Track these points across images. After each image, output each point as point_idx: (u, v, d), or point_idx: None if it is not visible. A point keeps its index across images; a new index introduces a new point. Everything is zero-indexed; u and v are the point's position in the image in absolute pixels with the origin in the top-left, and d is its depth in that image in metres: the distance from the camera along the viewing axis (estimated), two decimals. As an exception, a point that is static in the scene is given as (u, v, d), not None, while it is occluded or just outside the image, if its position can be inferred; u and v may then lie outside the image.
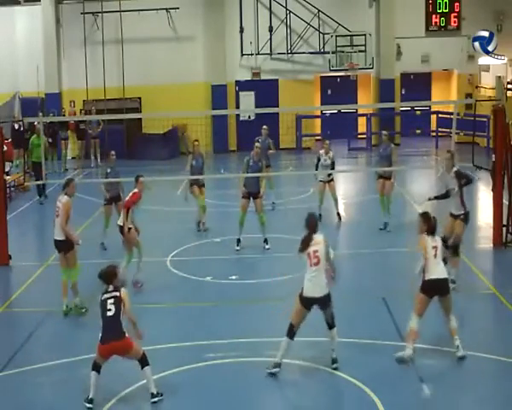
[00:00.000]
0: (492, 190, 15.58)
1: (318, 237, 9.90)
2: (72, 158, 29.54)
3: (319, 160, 18.10)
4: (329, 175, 18.09)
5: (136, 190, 13.67)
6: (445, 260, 10.87)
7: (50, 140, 26.72)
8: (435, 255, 10.32)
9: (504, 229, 15.40)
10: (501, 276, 14.02)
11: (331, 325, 9.95)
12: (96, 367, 9.13)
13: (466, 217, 13.14)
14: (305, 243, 9.85)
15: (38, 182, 20.11)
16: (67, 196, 12.42)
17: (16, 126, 26.45)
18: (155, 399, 9.18)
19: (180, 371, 9.97)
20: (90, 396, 9.06)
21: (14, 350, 10.87)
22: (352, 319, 11.74)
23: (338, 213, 18.17)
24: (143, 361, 9.22)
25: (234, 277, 14.02)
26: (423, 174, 24.71)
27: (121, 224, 13.55)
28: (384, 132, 18.29)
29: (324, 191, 18.11)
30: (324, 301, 9.80)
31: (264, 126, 20.14)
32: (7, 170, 20.06)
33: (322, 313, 9.89)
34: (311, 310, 9.83)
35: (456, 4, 30.65)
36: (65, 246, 12.25)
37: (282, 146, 30.73)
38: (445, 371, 9.90)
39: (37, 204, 21.12)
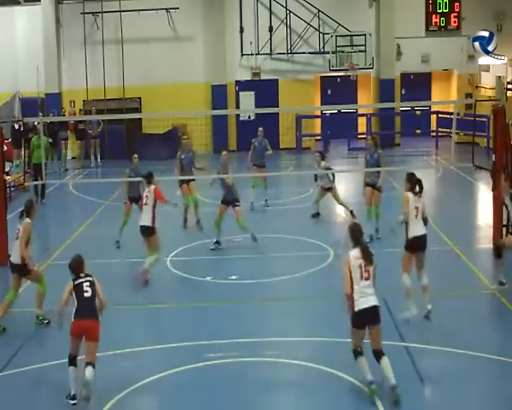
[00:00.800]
0: (492, 190, 15.57)
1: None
2: (73, 158, 29.54)
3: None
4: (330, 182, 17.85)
5: (153, 187, 13.86)
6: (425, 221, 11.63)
7: (50, 140, 26.73)
8: (416, 215, 11.28)
9: (504, 229, 15.38)
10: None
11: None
12: (72, 361, 9.24)
13: None
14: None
15: (37, 182, 20.09)
16: (29, 218, 11.92)
17: (16, 126, 26.48)
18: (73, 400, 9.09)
19: (180, 371, 9.97)
20: (73, 392, 9.13)
21: (14, 350, 10.87)
22: (352, 319, 11.73)
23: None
24: (93, 366, 9.18)
25: (234, 277, 14.02)
26: (423, 174, 24.68)
27: (146, 224, 13.72)
28: (369, 137, 17.37)
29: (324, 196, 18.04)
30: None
31: (260, 128, 20.22)
32: (7, 170, 20.06)
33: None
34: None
35: (456, 4, 30.67)
36: (24, 269, 11.78)
37: (282, 146, 30.75)
38: (445, 371, 9.90)
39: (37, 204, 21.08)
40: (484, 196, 19.89)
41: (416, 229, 11.29)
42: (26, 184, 22.47)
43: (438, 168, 24.67)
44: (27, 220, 11.87)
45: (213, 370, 10.02)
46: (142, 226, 13.84)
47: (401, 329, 11.19)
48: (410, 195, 11.40)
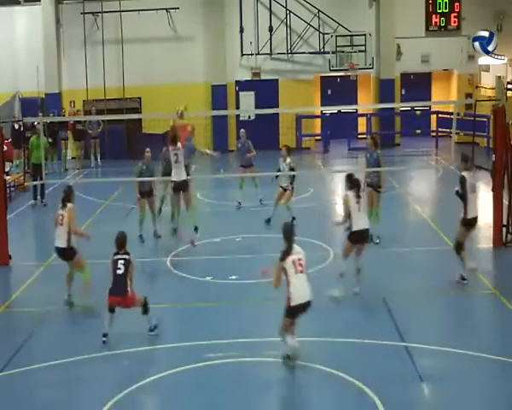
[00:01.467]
0: (492, 190, 15.58)
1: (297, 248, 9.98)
2: (72, 158, 29.53)
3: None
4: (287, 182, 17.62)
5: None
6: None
7: (50, 140, 26.73)
8: (359, 208, 12.27)
9: (504, 229, 15.40)
10: (501, 276, 14.01)
11: None
12: (111, 310, 10.90)
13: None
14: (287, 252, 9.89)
15: (36, 182, 20.09)
16: (70, 203, 12.51)
17: (16, 126, 26.48)
18: (153, 332, 11.07)
19: (180, 371, 9.97)
20: (105, 331, 10.81)
21: (14, 350, 10.87)
22: (353, 320, 11.75)
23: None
24: (145, 309, 11.03)
25: (234, 277, 14.02)
26: (423, 174, 24.72)
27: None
28: (369, 136, 17.19)
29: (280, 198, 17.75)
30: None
31: (242, 130, 20.65)
32: (7, 170, 20.06)
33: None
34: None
35: (456, 4, 30.65)
36: (68, 254, 12.39)
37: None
38: (445, 371, 9.90)
39: (37, 206, 21.05)
40: (484, 196, 19.89)
41: (360, 223, 12.27)
42: (26, 184, 22.48)
43: (438, 168, 24.67)
44: (70, 205, 12.44)
45: (213, 370, 10.02)
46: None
47: (401, 329, 11.19)
48: (350, 194, 12.34)
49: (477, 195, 13.25)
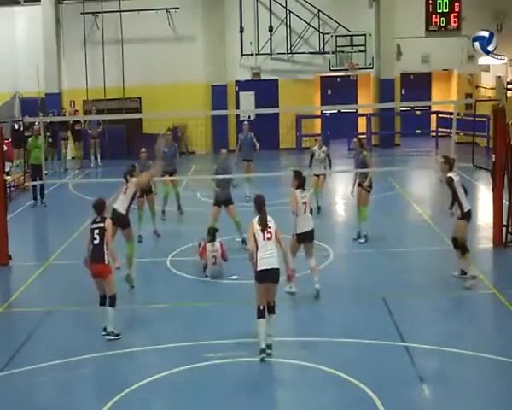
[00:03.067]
0: (492, 190, 15.58)
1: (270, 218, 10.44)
2: (72, 158, 29.53)
3: (313, 155, 18.61)
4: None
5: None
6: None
7: (50, 140, 26.73)
8: (305, 210, 12.36)
9: (504, 229, 15.40)
10: (501, 276, 14.01)
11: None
12: (101, 301, 11.14)
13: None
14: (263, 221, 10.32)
15: (36, 182, 20.08)
16: (134, 177, 13.37)
17: (16, 126, 26.48)
18: (109, 336, 10.97)
19: (180, 371, 9.97)
20: (109, 329, 11.02)
21: (14, 350, 10.86)
22: (352, 319, 11.76)
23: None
24: (113, 301, 11.00)
25: (234, 277, 14.01)
26: (423, 174, 24.71)
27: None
28: (355, 139, 17.32)
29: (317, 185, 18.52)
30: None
31: (245, 123, 21.26)
32: (7, 170, 20.06)
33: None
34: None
35: (456, 4, 30.65)
36: (125, 221, 13.15)
37: (282, 146, 30.76)
38: (445, 371, 9.90)
39: (37, 206, 21.04)
40: (484, 196, 19.89)
41: (305, 224, 12.40)
42: (26, 184, 22.46)
43: (438, 168, 24.64)
44: (134, 179, 13.33)
45: (213, 370, 10.02)
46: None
47: (401, 329, 11.19)
48: (297, 192, 12.42)
49: (465, 190, 13.30)
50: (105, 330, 11.08)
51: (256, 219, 10.34)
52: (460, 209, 13.10)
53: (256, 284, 10.20)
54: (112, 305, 11.03)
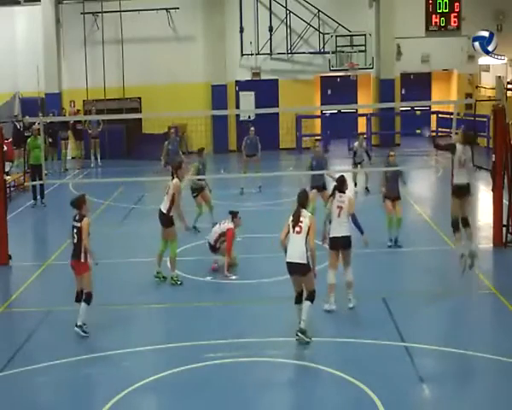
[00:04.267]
0: (492, 190, 15.58)
1: (306, 214, 10.75)
2: (72, 158, 29.54)
3: (355, 153, 21.02)
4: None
5: (231, 226, 14.35)
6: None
7: (50, 140, 26.74)
8: (339, 214, 11.94)
9: (504, 229, 15.40)
10: (501, 276, 14.02)
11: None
12: (76, 297, 11.42)
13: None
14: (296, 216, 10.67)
15: (36, 182, 20.09)
16: (178, 178, 13.70)
17: (17, 126, 26.47)
18: (78, 330, 11.16)
19: (180, 371, 9.97)
20: (79, 323, 11.17)
21: (14, 350, 10.86)
22: (352, 319, 11.75)
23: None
24: (87, 298, 11.22)
25: (234, 277, 14.01)
26: (423, 174, 24.71)
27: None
28: (316, 144, 18.78)
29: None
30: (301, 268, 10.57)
31: (252, 128, 22.21)
32: (7, 170, 20.05)
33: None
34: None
35: (456, 4, 30.65)
36: (166, 220, 13.60)
37: (282, 146, 30.76)
38: (445, 371, 9.90)
39: (37, 206, 21.03)
40: (484, 196, 19.88)
41: (338, 229, 12.00)
42: (26, 184, 22.47)
43: (438, 168, 24.67)
44: (176, 180, 13.66)
45: (213, 370, 10.02)
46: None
47: (401, 329, 11.19)
48: (335, 195, 12.15)
49: (467, 167, 12.85)
50: (77, 326, 11.29)
51: (292, 214, 10.73)
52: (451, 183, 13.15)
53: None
54: (86, 301, 11.24)
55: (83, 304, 11.23)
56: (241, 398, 9.29)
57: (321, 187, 17.25)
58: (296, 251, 10.51)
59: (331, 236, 12.07)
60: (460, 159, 12.83)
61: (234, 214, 14.48)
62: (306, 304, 10.57)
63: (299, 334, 10.54)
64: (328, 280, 11.97)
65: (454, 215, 12.92)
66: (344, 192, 12.14)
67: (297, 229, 10.54)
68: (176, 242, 13.82)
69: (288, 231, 10.61)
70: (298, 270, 10.54)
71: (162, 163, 20.51)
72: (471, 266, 12.82)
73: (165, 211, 13.66)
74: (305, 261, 10.48)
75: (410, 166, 25.61)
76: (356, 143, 21.87)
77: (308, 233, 10.52)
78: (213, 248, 14.38)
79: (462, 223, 12.87)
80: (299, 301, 10.72)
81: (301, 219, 10.59)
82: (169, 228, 13.71)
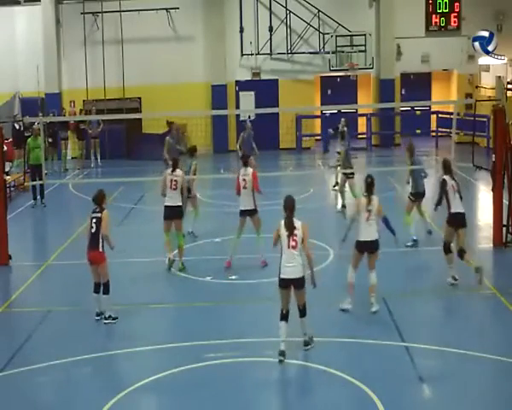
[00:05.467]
0: (492, 190, 15.58)
1: (298, 222, 10.23)
2: (72, 158, 29.55)
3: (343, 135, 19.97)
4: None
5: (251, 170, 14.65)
6: None
7: (50, 140, 26.74)
8: (367, 218, 11.60)
9: (504, 229, 15.40)
10: (501, 276, 14.02)
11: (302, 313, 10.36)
12: (95, 288, 11.75)
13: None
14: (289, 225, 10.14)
15: (36, 182, 20.09)
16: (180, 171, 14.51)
17: (17, 126, 26.47)
18: (107, 320, 11.64)
19: (180, 371, 9.97)
20: (107, 314, 11.68)
21: (14, 350, 10.86)
22: (352, 319, 11.75)
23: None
24: (106, 288, 11.68)
25: (234, 277, 14.02)
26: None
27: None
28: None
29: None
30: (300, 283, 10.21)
31: (249, 122, 22.45)
32: (7, 170, 20.05)
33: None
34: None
35: (456, 4, 30.66)
36: (181, 212, 14.42)
37: (282, 146, 30.76)
38: (445, 371, 9.90)
39: (36, 206, 21.03)
40: (484, 196, 19.88)
41: (365, 233, 11.69)
42: (26, 184, 22.47)
43: (438, 168, 24.64)
44: (180, 171, 14.41)
45: (213, 370, 10.02)
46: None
47: (401, 329, 11.19)
48: (362, 200, 11.78)
49: (459, 195, 13.20)
50: (98, 315, 11.76)
51: (283, 222, 10.18)
52: (448, 210, 13.12)
53: (278, 289, 10.28)
54: (106, 292, 11.69)
55: (104, 296, 11.69)
56: (241, 398, 9.29)
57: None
58: (294, 267, 10.08)
59: (359, 239, 11.73)
60: (456, 189, 13.18)
61: (246, 158, 14.89)
62: (303, 320, 10.34)
63: (307, 346, 10.41)
64: (348, 278, 11.91)
65: (447, 240, 13.24)
66: (373, 194, 11.79)
67: (292, 243, 10.05)
68: (182, 233, 14.68)
69: (279, 237, 10.15)
70: (295, 284, 10.15)
71: (167, 157, 19.83)
72: (480, 282, 12.74)
73: (180, 203, 14.36)
74: (302, 274, 10.18)
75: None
76: (340, 125, 20.85)
77: (302, 242, 10.12)
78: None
79: (458, 254, 13.08)
80: (286, 318, 10.22)
81: (295, 232, 10.05)
82: (181, 219, 14.50)
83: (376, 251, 11.83)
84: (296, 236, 10.08)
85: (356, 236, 11.83)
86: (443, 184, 13.24)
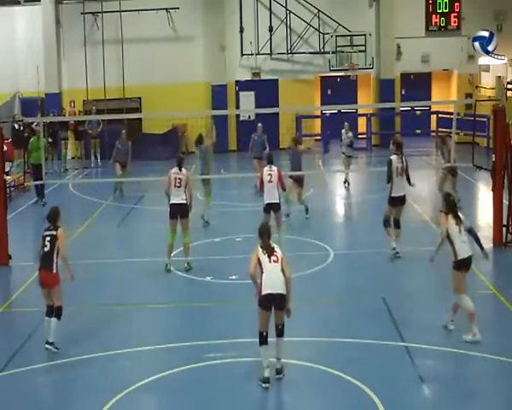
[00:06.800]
0: (492, 190, 15.58)
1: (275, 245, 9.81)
2: (72, 158, 29.55)
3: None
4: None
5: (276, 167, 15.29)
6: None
7: (50, 140, 26.73)
8: (460, 231, 10.75)
9: (504, 229, 15.40)
10: (501, 276, 14.02)
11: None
12: (47, 312, 10.79)
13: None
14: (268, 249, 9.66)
15: (37, 182, 20.09)
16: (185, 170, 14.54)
17: (16, 126, 26.46)
18: (49, 346, 10.53)
19: (180, 371, 9.97)
20: (50, 340, 10.53)
21: (14, 350, 10.86)
22: (352, 319, 11.76)
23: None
24: (57, 312, 10.62)
25: (234, 277, 14.02)
26: (423, 174, 24.67)
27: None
28: (293, 138, 19.75)
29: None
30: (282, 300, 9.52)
31: (259, 124, 21.88)
32: (7, 170, 20.05)
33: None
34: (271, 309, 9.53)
35: (456, 4, 30.65)
36: (187, 210, 14.33)
37: (282, 146, 30.73)
38: (445, 371, 9.90)
39: (37, 204, 21.04)
40: (484, 196, 19.88)
41: (464, 248, 10.72)
42: (26, 184, 22.47)
43: (438, 168, 24.64)
44: (188, 172, 14.67)
45: (213, 370, 10.02)
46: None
47: (401, 329, 11.19)
48: (450, 217, 10.85)
49: (404, 177, 14.79)
50: (47, 341, 10.65)
51: (259, 246, 9.69)
52: (389, 192, 14.87)
53: (258, 309, 9.52)
54: (57, 316, 10.64)
55: (53, 319, 10.62)
56: (241, 398, 9.29)
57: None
58: (278, 281, 9.42)
59: (460, 258, 10.68)
60: (397, 169, 14.61)
61: (270, 157, 15.52)
62: (281, 341, 9.62)
63: (280, 375, 9.64)
64: (469, 308, 10.65)
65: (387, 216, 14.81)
66: (459, 215, 10.95)
67: (273, 258, 9.51)
68: (189, 231, 14.56)
69: (258, 263, 9.54)
70: (280, 301, 9.43)
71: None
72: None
73: (185, 201, 14.34)
74: (285, 292, 9.48)
75: (409, 166, 25.57)
76: (343, 130, 21.95)
77: (282, 263, 9.54)
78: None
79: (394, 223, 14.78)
80: (265, 341, 9.55)
81: (275, 251, 9.59)
82: (188, 217, 14.44)
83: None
84: (276, 252, 9.58)
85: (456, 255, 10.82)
86: (389, 164, 14.67)
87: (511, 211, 15.27)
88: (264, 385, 9.42)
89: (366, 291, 13.08)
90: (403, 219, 15.76)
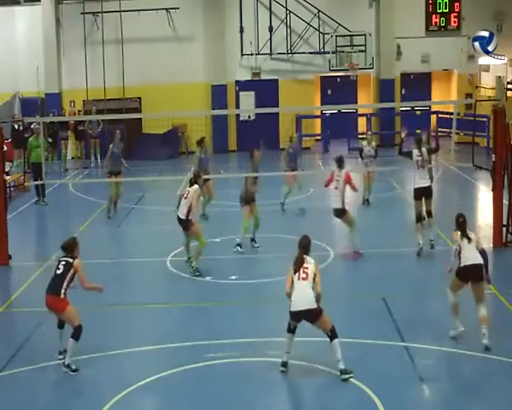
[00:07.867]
0: (492, 190, 15.58)
1: (311, 259, 9.93)
2: (72, 158, 29.55)
3: (362, 150, 20.37)
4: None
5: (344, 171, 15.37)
6: None
7: (50, 140, 26.74)
8: (469, 241, 10.77)
9: (504, 229, 15.40)
10: (501, 276, 14.00)
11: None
12: (58, 324, 10.38)
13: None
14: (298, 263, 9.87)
15: (37, 182, 20.10)
16: (197, 185, 14.22)
17: (16, 126, 26.48)
18: (65, 369, 9.95)
19: (180, 371, 9.97)
20: (66, 362, 10.01)
21: (14, 350, 10.86)
22: (352, 319, 11.75)
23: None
24: (74, 333, 9.97)
25: (234, 277, 14.02)
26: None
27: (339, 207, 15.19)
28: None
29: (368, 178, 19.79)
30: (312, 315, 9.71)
31: (295, 135, 22.20)
32: (7, 170, 20.06)
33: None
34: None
35: (456, 4, 30.67)
36: (186, 225, 14.08)
37: (283, 146, 30.72)
38: (445, 371, 9.90)
39: (38, 204, 21.04)
40: (484, 196, 19.88)
41: (472, 256, 10.65)
42: (26, 184, 22.48)
43: (438, 168, 24.66)
44: (196, 187, 14.17)
45: (213, 370, 10.02)
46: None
47: (401, 329, 11.19)
48: (459, 234, 10.86)
49: (425, 169, 15.30)
50: (61, 353, 10.30)
51: (293, 262, 9.85)
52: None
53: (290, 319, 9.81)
54: (74, 337, 10.01)
55: (71, 340, 9.99)
56: (241, 398, 9.29)
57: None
58: (305, 298, 9.62)
59: (463, 265, 10.64)
60: (418, 162, 15.01)
61: (341, 161, 15.41)
62: (335, 343, 9.66)
63: (344, 376, 9.55)
64: (450, 301, 10.88)
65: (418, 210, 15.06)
66: (467, 233, 10.88)
67: (302, 275, 9.68)
68: (202, 235, 14.25)
69: (292, 280, 9.75)
70: (308, 316, 9.66)
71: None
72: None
73: (183, 217, 14.03)
74: (315, 306, 9.66)
75: (410, 166, 25.59)
76: (364, 143, 21.04)
77: (314, 280, 9.74)
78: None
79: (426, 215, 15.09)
80: (293, 331, 9.87)
81: (305, 265, 9.76)
82: (191, 229, 14.17)
83: (482, 281, 10.71)
84: (307, 268, 9.73)
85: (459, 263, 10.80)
86: (409, 152, 15.48)
87: (511, 211, 15.27)
88: (281, 368, 9.78)
89: (366, 291, 13.08)
90: (402, 218, 15.81)
